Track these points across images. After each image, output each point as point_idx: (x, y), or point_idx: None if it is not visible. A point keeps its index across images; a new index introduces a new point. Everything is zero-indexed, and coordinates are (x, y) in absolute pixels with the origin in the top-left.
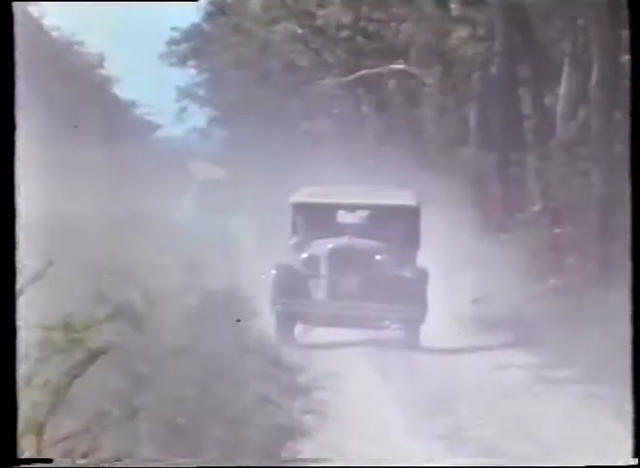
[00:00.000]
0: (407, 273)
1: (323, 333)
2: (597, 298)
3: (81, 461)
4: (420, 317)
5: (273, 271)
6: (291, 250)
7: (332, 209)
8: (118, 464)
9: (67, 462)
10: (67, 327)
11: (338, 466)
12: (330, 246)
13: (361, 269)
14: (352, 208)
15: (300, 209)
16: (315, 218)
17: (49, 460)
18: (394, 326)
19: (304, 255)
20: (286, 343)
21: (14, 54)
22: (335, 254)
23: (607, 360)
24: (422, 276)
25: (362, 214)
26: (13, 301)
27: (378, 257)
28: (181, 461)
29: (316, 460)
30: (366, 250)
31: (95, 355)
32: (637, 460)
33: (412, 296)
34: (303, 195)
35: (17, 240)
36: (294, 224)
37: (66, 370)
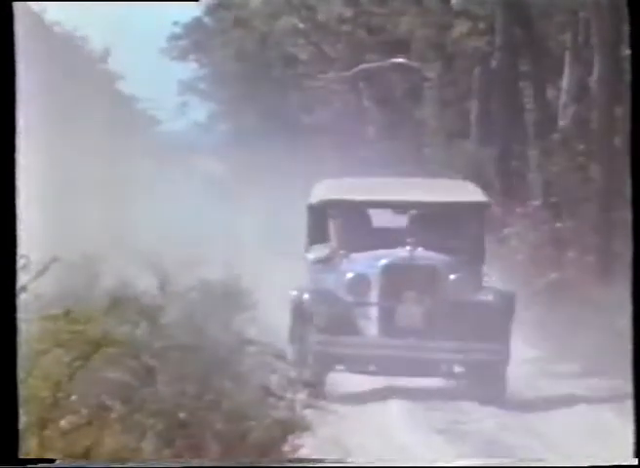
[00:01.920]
0: (489, 297)
1: (353, 383)
2: (598, 292)
3: (83, 461)
4: (504, 359)
5: (306, 296)
6: (311, 266)
7: (369, 208)
8: (120, 464)
9: (69, 462)
10: (69, 318)
11: (337, 466)
12: (384, 261)
13: (428, 293)
14: (406, 207)
15: (330, 209)
16: (350, 223)
17: (51, 460)
18: (464, 371)
19: (350, 275)
20: (320, 397)
21: (14, 50)
22: (391, 273)
23: (607, 353)
24: (509, 301)
25: (404, 215)
26: (13, 294)
27: (452, 277)
28: (183, 460)
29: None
30: (435, 266)
31: (96, 347)
32: (637, 460)
33: (494, 330)
34: (331, 191)
35: (17, 233)
36: (315, 230)
37: (68, 362)
